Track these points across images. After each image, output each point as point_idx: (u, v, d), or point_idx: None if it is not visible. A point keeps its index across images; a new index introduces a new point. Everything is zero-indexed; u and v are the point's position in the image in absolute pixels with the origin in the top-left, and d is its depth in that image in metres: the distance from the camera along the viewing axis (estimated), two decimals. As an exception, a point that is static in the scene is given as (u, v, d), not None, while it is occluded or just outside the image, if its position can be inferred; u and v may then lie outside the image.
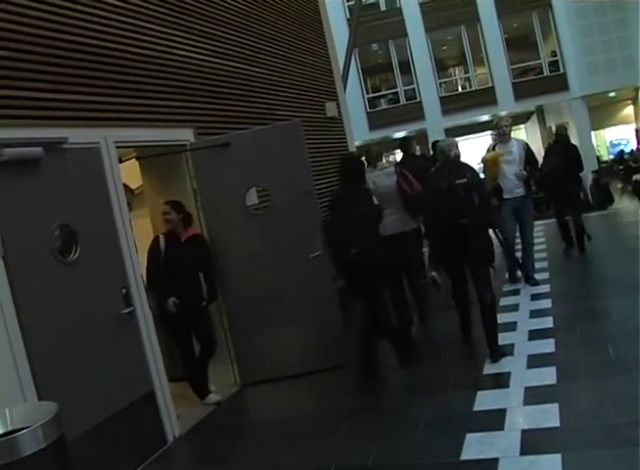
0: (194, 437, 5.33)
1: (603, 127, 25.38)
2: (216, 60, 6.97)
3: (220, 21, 7.19)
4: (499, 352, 5.46)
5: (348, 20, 21.69)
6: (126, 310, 4.91)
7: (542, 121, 26.98)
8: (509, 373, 5.15)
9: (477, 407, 4.64)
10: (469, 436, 4.16)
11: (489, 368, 5.38)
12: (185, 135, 6.18)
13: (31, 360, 4.03)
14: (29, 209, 4.24)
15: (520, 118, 26.72)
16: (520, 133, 28.02)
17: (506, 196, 7.68)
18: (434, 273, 8.71)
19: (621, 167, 22.58)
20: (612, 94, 23.39)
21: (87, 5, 5.11)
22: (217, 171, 6.20)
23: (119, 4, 5.52)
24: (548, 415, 4.21)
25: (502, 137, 7.89)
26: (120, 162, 5.44)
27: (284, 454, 4.59)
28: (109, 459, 4.43)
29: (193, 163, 6.21)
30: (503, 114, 22.48)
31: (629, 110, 25.40)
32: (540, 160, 9.28)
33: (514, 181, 7.67)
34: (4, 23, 4.32)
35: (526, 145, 8.03)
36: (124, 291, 4.95)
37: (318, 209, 6.39)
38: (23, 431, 3.04)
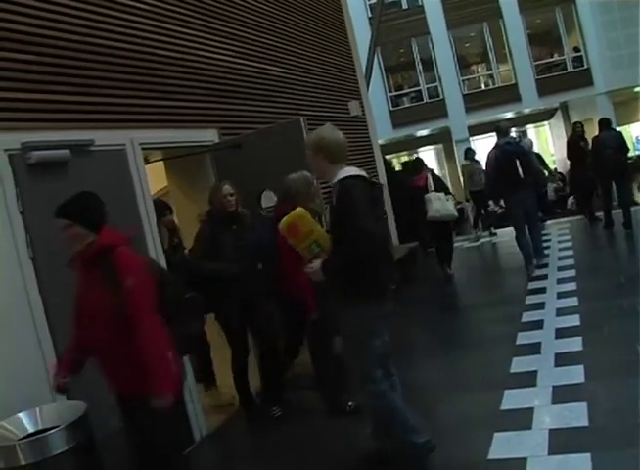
0: (221, 435, 5.36)
1: (628, 123, 24.96)
2: (240, 60, 7.00)
3: (244, 22, 7.22)
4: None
5: (370, 18, 21.69)
6: (153, 310, 4.93)
7: (567, 118, 26.68)
8: (536, 372, 5.10)
9: (504, 406, 4.61)
10: (497, 435, 4.14)
11: (517, 367, 5.35)
12: (210, 136, 6.21)
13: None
14: (57, 210, 4.27)
15: (544, 115, 26.48)
16: (544, 130, 27.78)
17: None
18: None
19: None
20: (637, 89, 23.09)
21: (112, 9, 5.17)
22: (235, 172, 6.11)
23: (145, 7, 5.57)
24: (576, 414, 4.17)
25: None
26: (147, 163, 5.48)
27: (311, 452, 4.60)
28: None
29: (215, 163, 6.24)
30: (527, 111, 22.29)
31: (655, 105, 25.09)
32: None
33: None
34: (31, 27, 4.38)
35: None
36: (151, 291, 4.97)
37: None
38: (53, 430, 3.09)
